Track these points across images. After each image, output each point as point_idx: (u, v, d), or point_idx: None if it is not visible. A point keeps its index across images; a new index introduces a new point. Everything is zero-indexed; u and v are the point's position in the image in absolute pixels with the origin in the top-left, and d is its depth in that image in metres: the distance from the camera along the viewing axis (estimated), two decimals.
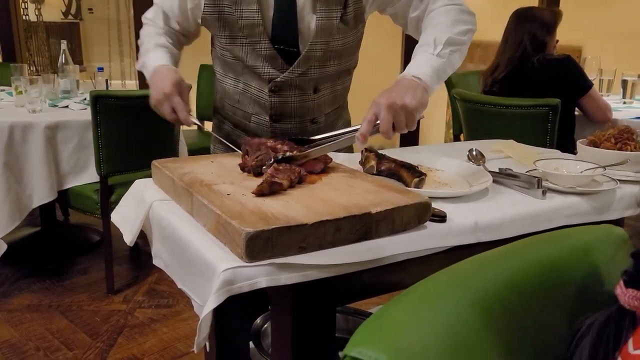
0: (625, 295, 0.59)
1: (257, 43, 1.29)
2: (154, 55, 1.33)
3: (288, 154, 1.07)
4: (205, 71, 3.59)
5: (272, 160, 1.05)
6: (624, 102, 2.91)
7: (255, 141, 1.14)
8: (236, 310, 1.21)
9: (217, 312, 0.78)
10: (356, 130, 1.08)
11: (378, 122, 1.07)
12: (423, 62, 1.19)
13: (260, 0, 1.26)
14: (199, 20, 1.34)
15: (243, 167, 1.09)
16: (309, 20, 1.29)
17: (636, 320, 0.59)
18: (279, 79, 1.32)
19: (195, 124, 1.26)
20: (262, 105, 1.35)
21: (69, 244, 3.06)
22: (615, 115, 2.53)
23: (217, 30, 1.31)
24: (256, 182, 0.96)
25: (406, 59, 3.79)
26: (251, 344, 1.31)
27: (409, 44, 3.78)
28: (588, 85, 2.44)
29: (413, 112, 1.08)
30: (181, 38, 1.44)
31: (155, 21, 1.41)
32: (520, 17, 2.52)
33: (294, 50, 1.30)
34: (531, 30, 2.46)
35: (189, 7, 1.32)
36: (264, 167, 1.05)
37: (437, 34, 1.22)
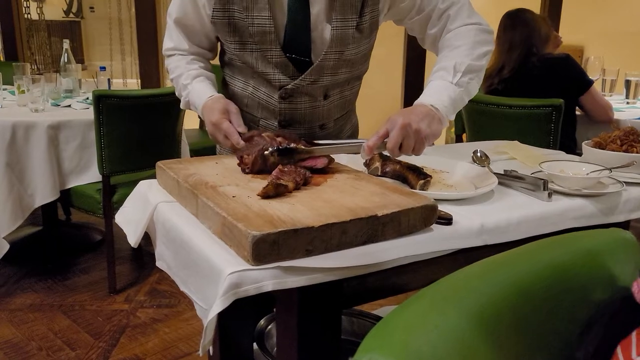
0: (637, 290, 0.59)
1: (268, 50, 1.26)
2: (197, 92, 1.32)
3: (292, 145, 1.06)
4: (213, 71, 3.57)
5: (275, 147, 1.05)
6: (627, 102, 2.90)
7: (251, 133, 1.13)
8: (240, 312, 1.21)
9: (221, 314, 0.78)
10: (364, 141, 1.08)
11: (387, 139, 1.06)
12: (441, 90, 1.17)
13: (272, 7, 1.23)
14: None
15: (244, 169, 1.08)
16: (323, 29, 1.26)
17: None
18: (289, 86, 1.29)
19: None
20: (271, 111, 1.34)
21: (71, 244, 3.06)
22: (618, 115, 2.52)
23: (227, 35, 1.29)
24: (261, 183, 0.96)
25: (408, 60, 3.77)
26: (255, 346, 1.31)
27: (411, 45, 3.78)
28: (588, 82, 2.44)
29: (424, 139, 1.07)
30: (208, 55, 1.42)
31: (178, 47, 1.38)
32: (514, 17, 2.54)
33: (305, 59, 1.28)
34: (533, 28, 2.47)
35: (207, 13, 1.28)
36: (266, 152, 1.05)
37: (457, 59, 1.20)
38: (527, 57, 2.46)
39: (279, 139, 1.10)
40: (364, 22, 1.28)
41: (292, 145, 1.06)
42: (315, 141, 1.17)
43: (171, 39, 1.39)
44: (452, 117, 1.18)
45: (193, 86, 1.34)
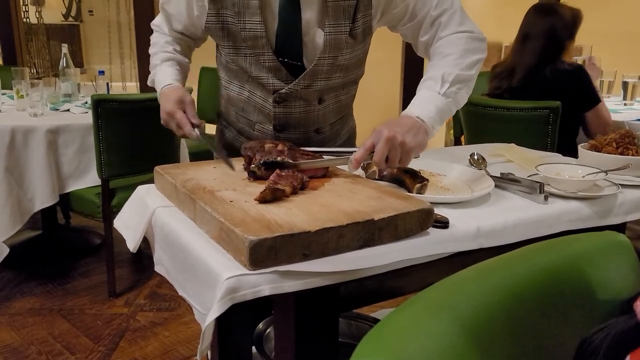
0: None
1: (261, 55, 1.27)
2: (161, 74, 1.38)
3: (279, 159, 1.07)
4: (205, 74, 3.59)
5: (262, 161, 1.06)
6: (625, 104, 2.91)
7: (254, 143, 1.14)
8: (238, 316, 1.21)
9: (219, 317, 0.78)
10: (353, 150, 1.07)
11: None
12: (428, 101, 1.16)
13: (263, 12, 1.24)
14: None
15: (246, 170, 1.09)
16: (315, 34, 1.27)
17: None
18: (283, 91, 1.30)
19: (198, 137, 1.27)
20: (266, 115, 1.35)
21: (71, 248, 3.06)
22: (616, 117, 2.52)
23: (221, 40, 1.31)
24: (259, 188, 0.96)
25: (406, 63, 3.78)
26: (254, 349, 1.31)
27: (410, 49, 3.78)
28: (596, 100, 2.38)
29: (409, 151, 1.06)
30: (189, 42, 1.45)
31: (161, 27, 1.44)
32: (542, 12, 2.41)
33: (297, 64, 1.29)
34: (553, 29, 2.35)
35: (195, 14, 1.31)
36: (252, 166, 1.06)
37: (445, 68, 1.18)
38: (538, 66, 2.36)
39: (270, 148, 1.10)
40: (357, 27, 1.28)
41: (279, 158, 1.07)
42: (307, 149, 1.17)
43: (159, 17, 1.45)
44: (439, 128, 1.17)
45: (161, 67, 1.39)
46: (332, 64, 1.29)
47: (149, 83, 1.44)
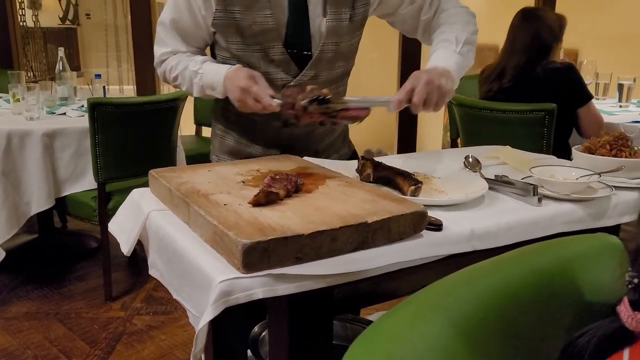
0: (631, 318, 0.56)
1: (270, 48, 1.29)
2: (209, 71, 1.31)
3: (328, 97, 1.13)
4: None
5: (310, 99, 1.12)
6: (620, 106, 2.91)
7: (294, 89, 1.19)
8: (233, 319, 1.21)
9: (214, 321, 0.78)
10: (389, 98, 1.15)
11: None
12: (447, 57, 1.28)
13: (272, 6, 1.27)
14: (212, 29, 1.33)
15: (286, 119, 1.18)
16: (320, 22, 1.32)
17: (635, 337, 0.58)
18: (291, 84, 1.32)
19: (279, 105, 1.21)
20: (272, 112, 1.35)
21: (67, 251, 3.05)
22: (612, 119, 2.53)
23: (229, 36, 1.30)
24: (253, 192, 0.96)
25: (404, 63, 3.78)
26: (249, 352, 1.31)
27: (406, 47, 3.79)
28: (588, 96, 2.40)
29: (445, 94, 1.17)
30: (205, 54, 1.43)
31: (176, 50, 1.38)
32: (527, 17, 2.47)
33: (306, 53, 1.32)
34: (538, 32, 2.41)
35: (202, 14, 1.30)
36: (303, 102, 1.13)
37: (457, 32, 1.32)
38: (527, 66, 2.40)
39: (310, 87, 1.17)
40: (357, 14, 1.35)
41: (328, 97, 1.14)
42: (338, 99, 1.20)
43: (166, 44, 1.38)
44: (458, 82, 1.29)
45: (204, 68, 1.32)
46: (335, 51, 1.34)
47: (197, 95, 1.35)
